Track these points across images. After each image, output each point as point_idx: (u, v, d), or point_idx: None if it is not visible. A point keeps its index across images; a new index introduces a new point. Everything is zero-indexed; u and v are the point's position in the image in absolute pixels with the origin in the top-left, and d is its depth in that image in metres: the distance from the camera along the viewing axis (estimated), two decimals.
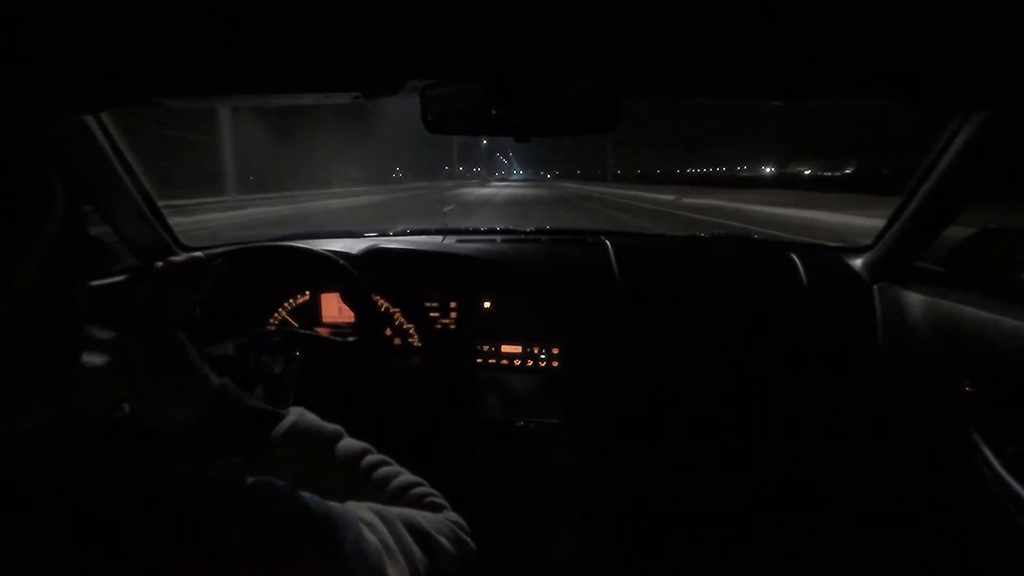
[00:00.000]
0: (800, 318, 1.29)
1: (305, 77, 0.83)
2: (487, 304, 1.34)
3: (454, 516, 0.53)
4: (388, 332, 1.34)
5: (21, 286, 0.30)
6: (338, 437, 0.55)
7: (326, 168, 44.06)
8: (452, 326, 1.34)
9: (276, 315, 1.32)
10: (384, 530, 0.42)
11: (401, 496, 0.53)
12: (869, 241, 1.33)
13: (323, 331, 1.29)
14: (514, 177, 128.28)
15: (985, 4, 0.61)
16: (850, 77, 0.80)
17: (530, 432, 1.34)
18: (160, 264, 0.50)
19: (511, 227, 1.62)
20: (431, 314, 1.34)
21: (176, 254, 1.31)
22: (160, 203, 1.25)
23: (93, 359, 0.42)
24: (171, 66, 0.79)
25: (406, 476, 0.56)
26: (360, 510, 0.43)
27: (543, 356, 1.31)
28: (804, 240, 1.67)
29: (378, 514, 0.44)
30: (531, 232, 1.58)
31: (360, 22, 0.68)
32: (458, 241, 1.47)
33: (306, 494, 0.38)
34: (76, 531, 0.29)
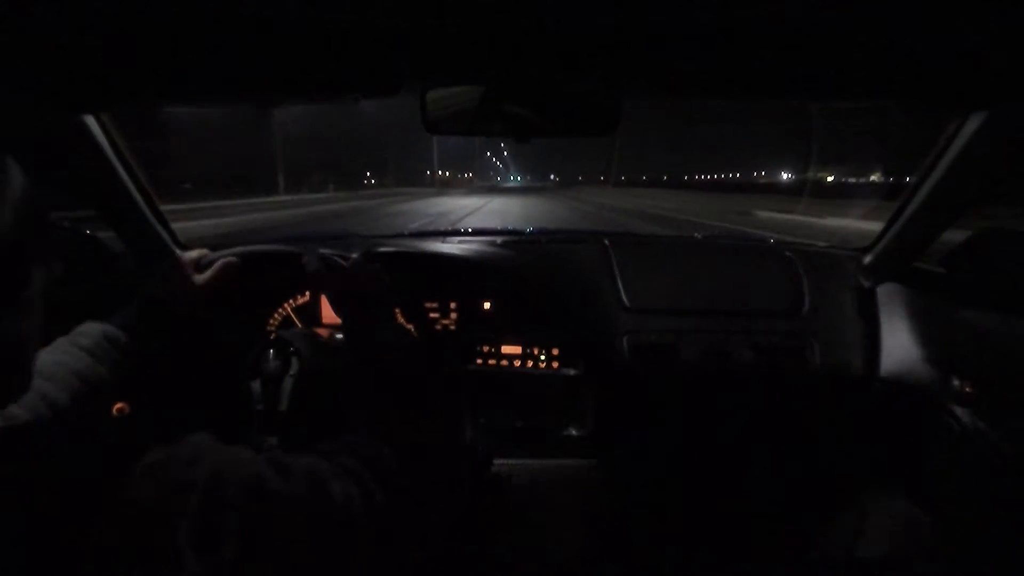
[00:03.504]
0: (800, 319, 1.29)
1: (305, 78, 0.83)
2: (487, 304, 1.34)
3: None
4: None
5: None
6: None
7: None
8: (452, 326, 1.34)
9: (276, 315, 1.32)
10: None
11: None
12: (869, 242, 1.33)
13: (323, 331, 1.29)
14: (509, 184, 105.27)
15: (985, 4, 0.61)
16: (850, 77, 0.80)
17: (530, 433, 1.34)
18: (169, 259, 0.50)
19: (511, 228, 1.63)
20: (431, 315, 1.34)
21: None
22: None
23: None
24: (171, 67, 0.79)
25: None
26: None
27: (543, 356, 1.31)
28: (803, 241, 1.67)
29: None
30: (531, 233, 1.59)
31: (360, 22, 0.68)
32: (459, 242, 1.47)
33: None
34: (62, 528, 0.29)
